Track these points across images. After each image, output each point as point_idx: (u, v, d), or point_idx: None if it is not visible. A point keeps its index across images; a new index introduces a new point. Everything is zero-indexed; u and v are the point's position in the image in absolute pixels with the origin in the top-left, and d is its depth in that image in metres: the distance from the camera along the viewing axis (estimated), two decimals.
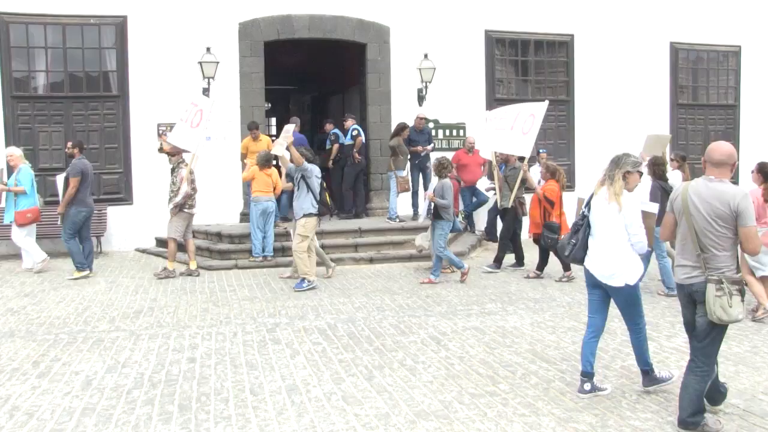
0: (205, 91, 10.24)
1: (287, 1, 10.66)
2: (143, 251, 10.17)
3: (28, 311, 6.55)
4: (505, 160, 8.95)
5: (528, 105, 9.04)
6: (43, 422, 3.85)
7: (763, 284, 6.13)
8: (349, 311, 6.51)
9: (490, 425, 3.77)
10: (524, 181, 8.53)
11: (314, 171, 7.40)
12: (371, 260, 9.23)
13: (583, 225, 4.17)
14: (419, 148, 10.35)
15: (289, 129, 7.53)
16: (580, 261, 4.22)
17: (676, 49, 12.69)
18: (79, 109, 10.17)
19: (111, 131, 10.29)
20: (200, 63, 10.17)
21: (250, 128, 9.86)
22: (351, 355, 5.10)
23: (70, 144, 8.52)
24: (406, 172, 10.21)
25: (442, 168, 7.96)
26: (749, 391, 4.30)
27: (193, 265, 8.36)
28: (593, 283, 4.18)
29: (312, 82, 17.05)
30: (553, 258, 8.09)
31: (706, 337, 3.58)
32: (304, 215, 7.37)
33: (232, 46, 10.50)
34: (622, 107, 12.20)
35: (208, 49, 10.19)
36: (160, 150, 10.30)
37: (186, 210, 8.17)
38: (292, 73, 16.24)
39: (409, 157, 10.35)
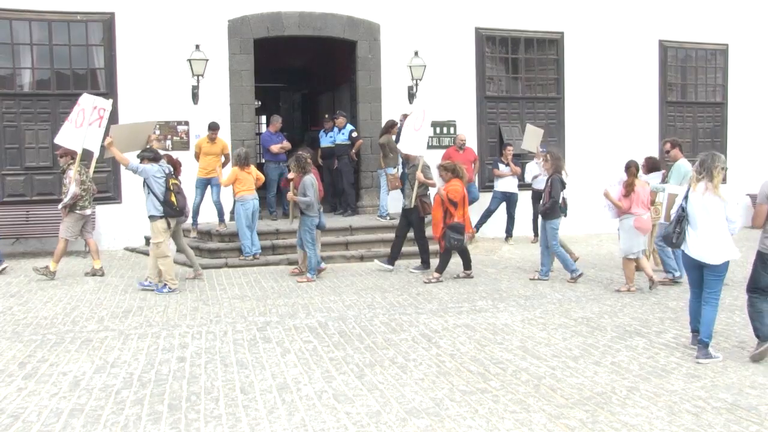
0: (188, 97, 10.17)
1: None
2: (132, 250, 10.10)
3: (15, 312, 6.47)
4: (405, 159, 8.75)
5: (426, 105, 8.91)
6: (29, 424, 3.80)
7: (629, 265, 7.23)
8: (339, 309, 6.50)
9: (481, 422, 3.77)
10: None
11: (150, 172, 7.09)
12: (362, 258, 9.22)
13: (684, 216, 4.94)
14: None
15: (116, 128, 7.37)
16: (680, 246, 5.01)
17: (665, 47, 12.77)
18: (66, 107, 9.97)
19: None
20: (189, 60, 10.08)
21: (211, 128, 9.46)
22: (342, 353, 5.08)
23: None
24: (396, 170, 10.20)
25: (303, 164, 7.76)
26: (737, 386, 4.34)
27: (97, 264, 8.20)
28: (693, 264, 4.99)
29: (302, 79, 17.01)
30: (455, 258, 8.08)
31: None
32: (149, 217, 7.19)
33: (221, 44, 10.43)
34: (611, 105, 12.27)
35: (197, 47, 10.11)
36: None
37: (78, 211, 7.99)
38: (282, 71, 16.20)
39: (400, 154, 10.34)
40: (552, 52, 12.17)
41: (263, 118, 18.41)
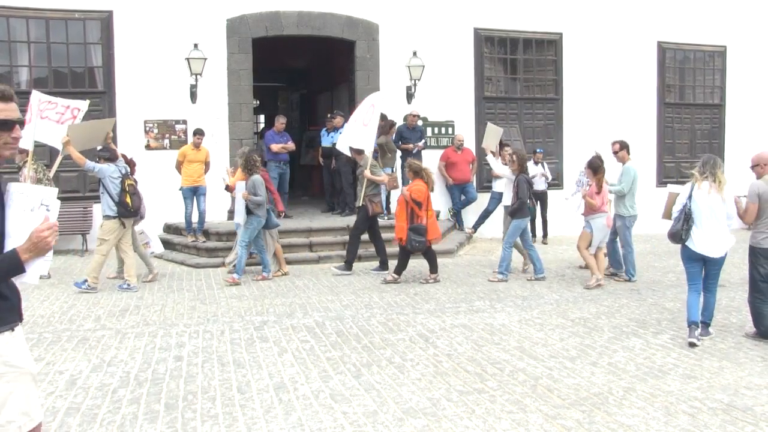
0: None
1: None
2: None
3: None
4: (354, 158, 8.59)
5: (371, 96, 8.60)
6: None
7: (597, 258, 7.58)
8: (337, 309, 6.49)
9: (478, 422, 3.77)
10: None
11: (106, 172, 7.13)
12: (359, 258, 9.21)
13: (689, 214, 5.28)
14: (410, 145, 10.35)
15: (74, 127, 7.28)
16: (686, 241, 5.32)
17: (663, 49, 12.79)
18: None
19: None
20: (188, 59, 10.07)
21: (197, 133, 9.20)
22: (339, 352, 5.08)
23: None
24: (394, 170, 10.21)
25: (251, 165, 7.68)
26: (732, 386, 4.35)
27: None
28: (696, 258, 5.35)
29: (300, 79, 17.00)
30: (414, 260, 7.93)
31: None
32: (103, 217, 7.23)
33: (219, 43, 10.42)
34: (610, 106, 12.28)
35: (195, 46, 10.10)
36: (147, 147, 10.22)
37: None
38: (281, 71, 16.19)
39: (400, 154, 10.35)
40: (551, 53, 12.18)
41: (261, 118, 18.41)
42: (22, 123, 2.35)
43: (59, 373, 4.61)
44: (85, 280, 7.20)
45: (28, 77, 9.97)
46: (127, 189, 7.17)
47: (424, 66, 11.02)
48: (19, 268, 2.14)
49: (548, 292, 7.27)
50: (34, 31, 9.82)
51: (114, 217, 7.16)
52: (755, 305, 5.38)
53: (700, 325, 5.34)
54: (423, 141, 10.67)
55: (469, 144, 11.34)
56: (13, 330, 2.25)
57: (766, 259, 5.29)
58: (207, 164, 9.44)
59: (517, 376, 4.55)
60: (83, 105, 7.79)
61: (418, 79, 11.09)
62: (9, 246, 2.18)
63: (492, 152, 9.32)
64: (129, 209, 7.17)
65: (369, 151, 8.26)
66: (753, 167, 5.63)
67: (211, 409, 3.99)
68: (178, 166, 9.37)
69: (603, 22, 12.27)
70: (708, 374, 4.59)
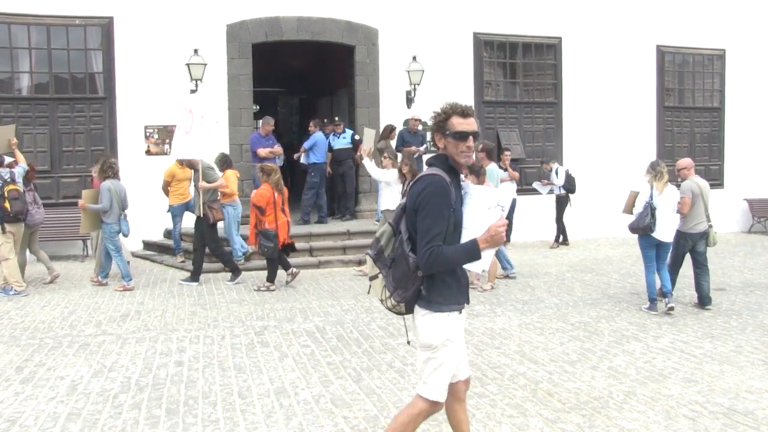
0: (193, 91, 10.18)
1: (275, 2, 10.63)
2: (131, 254, 10.07)
3: (12, 316, 6.47)
4: (189, 165, 8.19)
5: (187, 102, 8.24)
6: (26, 429, 3.80)
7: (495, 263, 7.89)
8: (337, 313, 6.50)
9: (479, 426, 3.77)
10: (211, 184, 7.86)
11: None
12: (360, 262, 9.21)
13: (654, 209, 6.28)
14: (413, 148, 10.36)
15: None
16: (653, 232, 6.33)
17: (662, 52, 12.82)
18: (64, 111, 10.07)
19: (97, 133, 10.20)
20: (188, 65, 10.11)
21: None
22: (339, 357, 5.08)
23: None
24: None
25: (103, 169, 7.62)
26: (733, 390, 4.35)
27: None
28: (654, 243, 6.44)
29: (300, 84, 17.05)
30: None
31: (706, 253, 6.74)
32: None
33: (219, 48, 10.46)
34: (609, 109, 12.31)
35: (195, 51, 10.14)
36: (148, 152, 10.25)
37: None
38: (281, 76, 16.24)
39: (401, 158, 10.35)
40: (550, 57, 12.22)
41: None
42: (476, 135, 2.81)
43: (60, 379, 4.62)
44: (11, 288, 7.30)
45: (29, 83, 10.01)
46: (6, 195, 7.25)
47: (423, 71, 11.05)
48: (477, 255, 2.62)
49: (548, 296, 7.27)
50: (35, 37, 9.87)
51: None
52: (697, 280, 6.64)
53: (658, 298, 6.52)
54: (425, 146, 10.69)
55: None
56: (460, 312, 2.74)
57: (702, 240, 6.56)
58: (190, 179, 9.19)
59: (518, 380, 4.55)
60: None
61: (418, 84, 11.12)
62: (465, 236, 2.67)
63: (365, 151, 9.27)
64: (8, 214, 7.25)
65: (199, 158, 7.89)
66: (680, 170, 6.79)
67: (212, 414, 4.00)
68: (166, 187, 9.12)
69: (602, 26, 12.30)
70: (709, 378, 4.59)
